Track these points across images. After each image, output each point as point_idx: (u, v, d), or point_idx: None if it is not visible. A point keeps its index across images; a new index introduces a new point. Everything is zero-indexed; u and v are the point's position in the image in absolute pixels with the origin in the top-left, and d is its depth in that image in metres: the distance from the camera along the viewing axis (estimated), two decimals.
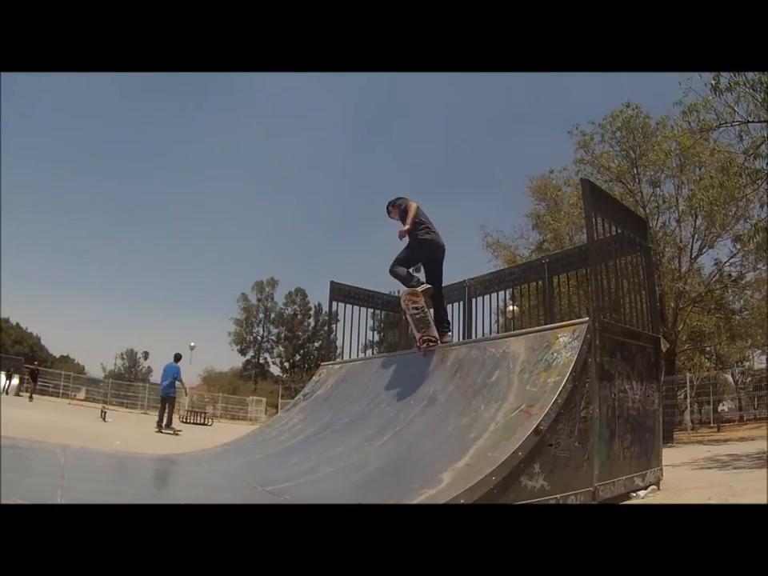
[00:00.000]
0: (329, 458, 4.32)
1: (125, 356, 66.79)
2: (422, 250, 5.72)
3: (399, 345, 8.30)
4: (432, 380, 4.89)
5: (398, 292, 6.04)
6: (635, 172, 19.41)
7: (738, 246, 16.52)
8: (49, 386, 30.80)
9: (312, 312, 63.02)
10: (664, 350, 5.02)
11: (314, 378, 7.39)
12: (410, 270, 5.78)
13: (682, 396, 21.19)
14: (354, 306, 7.84)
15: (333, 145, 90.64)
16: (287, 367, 60.96)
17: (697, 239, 19.62)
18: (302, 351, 62.14)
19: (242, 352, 61.49)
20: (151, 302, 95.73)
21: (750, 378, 28.54)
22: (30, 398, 23.37)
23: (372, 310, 8.27)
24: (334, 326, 8.51)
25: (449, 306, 7.47)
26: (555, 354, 3.86)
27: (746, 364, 31.45)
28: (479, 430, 3.59)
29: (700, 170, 17.15)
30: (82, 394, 32.70)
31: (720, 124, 10.55)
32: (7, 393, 23.74)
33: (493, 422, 3.61)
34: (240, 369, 61.38)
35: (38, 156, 77.96)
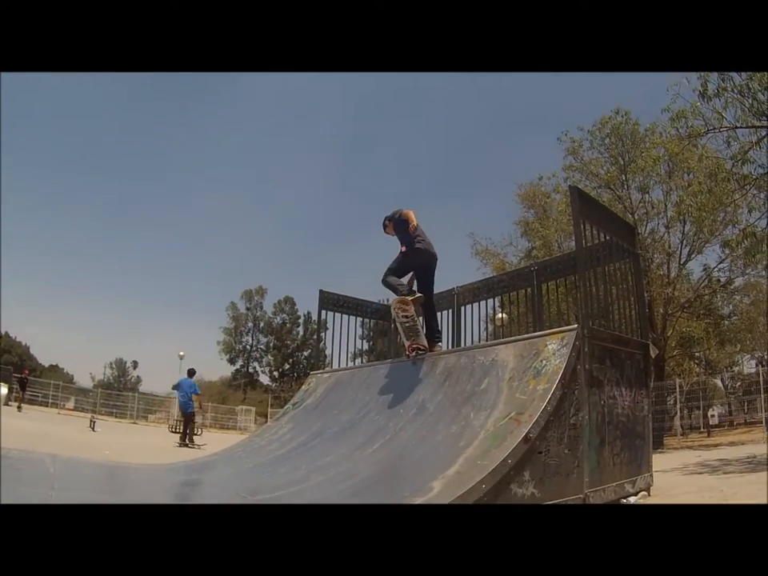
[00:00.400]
0: (318, 467, 4.29)
1: (114, 365, 66.31)
2: (416, 260, 5.72)
3: (389, 353, 8.27)
4: (421, 388, 4.88)
5: (387, 300, 6.03)
6: (624, 178, 19.56)
7: (727, 252, 16.72)
8: (38, 396, 30.45)
9: (301, 321, 62.90)
10: (653, 356, 5.04)
11: (303, 387, 7.35)
12: (402, 280, 5.78)
13: (672, 401, 21.32)
14: (344, 315, 7.82)
15: (325, 152, 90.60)
16: (276, 376, 60.63)
17: (685, 245, 19.81)
18: (291, 360, 61.84)
19: (231, 361, 61.15)
20: (139, 311, 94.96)
21: (739, 383, 28.72)
22: (19, 407, 22.93)
23: (361, 319, 8.24)
24: (323, 334, 8.48)
25: (438, 314, 7.48)
26: (544, 362, 3.86)
27: (736, 369, 31.68)
28: (469, 438, 3.58)
29: (688, 175, 17.27)
30: (71, 404, 32.42)
31: (708, 130, 10.64)
32: None
33: (482, 429, 3.60)
34: (229, 378, 61.03)
35: (23, 158, 77.24)
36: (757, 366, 27.90)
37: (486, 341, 10.09)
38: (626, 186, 19.73)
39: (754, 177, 10.05)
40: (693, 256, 19.93)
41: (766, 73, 8.43)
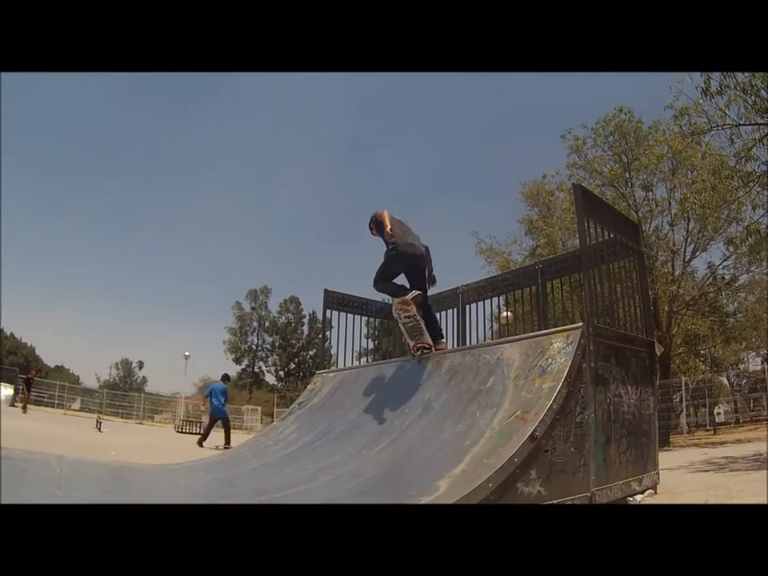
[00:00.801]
0: (325, 466, 4.29)
1: (119, 366, 66.64)
2: (398, 265, 5.62)
3: (394, 352, 8.27)
4: (427, 387, 4.88)
5: (391, 300, 6.00)
6: (628, 176, 19.52)
7: (731, 249, 16.70)
8: (44, 397, 30.53)
9: (306, 320, 63.05)
10: (658, 353, 5.03)
11: (308, 386, 7.34)
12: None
13: (678, 399, 21.24)
14: (348, 314, 7.81)
15: (327, 151, 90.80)
16: (282, 376, 60.87)
17: (690, 242, 19.74)
18: (296, 360, 62.11)
19: (237, 361, 61.47)
20: (143, 312, 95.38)
21: (745, 381, 28.66)
22: (24, 408, 22.88)
23: (366, 318, 8.24)
24: (328, 334, 8.48)
25: (443, 313, 7.48)
26: (550, 360, 3.86)
27: (741, 366, 31.56)
28: (475, 437, 3.58)
29: (692, 173, 17.23)
30: (77, 405, 32.61)
31: (711, 127, 10.60)
32: None
33: (488, 428, 3.60)
34: (235, 378, 61.22)
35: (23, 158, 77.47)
36: (762, 363, 27.82)
37: (492, 339, 10.09)
38: (629, 184, 19.69)
39: (757, 174, 10.02)
40: (697, 253, 19.92)
41: None
